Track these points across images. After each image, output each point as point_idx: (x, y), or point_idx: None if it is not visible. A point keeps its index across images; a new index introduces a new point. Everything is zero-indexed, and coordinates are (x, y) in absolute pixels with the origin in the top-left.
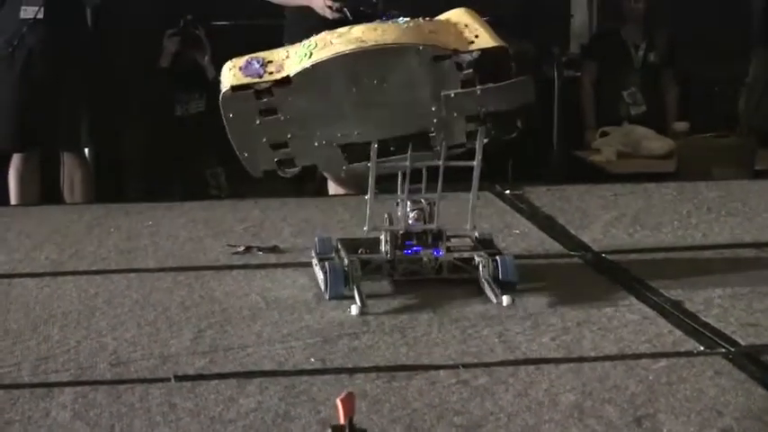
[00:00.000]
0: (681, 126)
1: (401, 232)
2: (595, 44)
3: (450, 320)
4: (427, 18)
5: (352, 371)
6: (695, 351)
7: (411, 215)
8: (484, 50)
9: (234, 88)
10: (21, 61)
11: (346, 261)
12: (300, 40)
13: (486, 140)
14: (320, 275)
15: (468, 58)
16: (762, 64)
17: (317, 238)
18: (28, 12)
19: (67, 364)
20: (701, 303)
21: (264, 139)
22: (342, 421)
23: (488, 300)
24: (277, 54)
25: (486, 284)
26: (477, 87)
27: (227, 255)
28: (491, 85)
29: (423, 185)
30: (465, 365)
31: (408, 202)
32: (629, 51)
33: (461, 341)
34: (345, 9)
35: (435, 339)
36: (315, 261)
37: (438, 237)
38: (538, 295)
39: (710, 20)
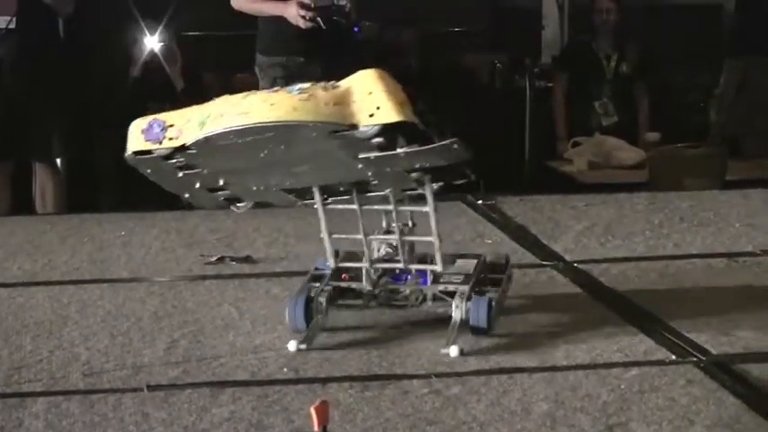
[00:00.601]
0: (652, 136)
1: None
2: (567, 55)
3: (422, 329)
4: (330, 83)
5: (325, 380)
6: (667, 360)
7: (381, 250)
8: (385, 125)
9: (135, 153)
10: None
11: (312, 292)
12: (275, 51)
13: (437, 185)
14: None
15: (367, 131)
16: (732, 74)
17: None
18: (0, 22)
19: (40, 374)
20: (672, 313)
21: (198, 185)
22: (316, 429)
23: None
24: (180, 117)
25: (450, 326)
26: (400, 150)
27: (199, 265)
28: (416, 147)
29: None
30: (437, 375)
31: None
32: (600, 62)
33: (434, 351)
34: (318, 19)
35: (408, 350)
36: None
37: (423, 261)
38: (510, 305)
39: (681, 31)
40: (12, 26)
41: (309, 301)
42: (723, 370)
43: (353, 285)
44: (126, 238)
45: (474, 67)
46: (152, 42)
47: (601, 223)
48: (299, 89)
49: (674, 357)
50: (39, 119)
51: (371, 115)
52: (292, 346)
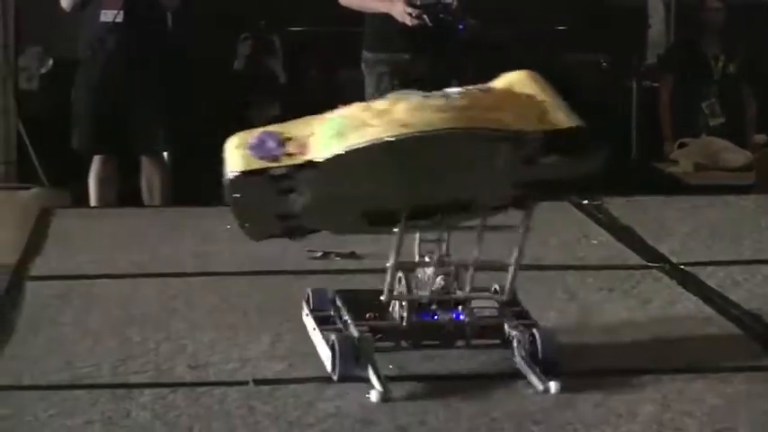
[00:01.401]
0: (760, 138)
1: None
2: (673, 55)
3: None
4: (484, 87)
5: (427, 378)
6: None
7: (437, 281)
8: (556, 131)
9: (245, 174)
10: (100, 65)
11: (355, 332)
12: (381, 47)
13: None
14: (322, 347)
15: (534, 138)
16: None
17: (309, 291)
18: (108, 15)
19: (147, 366)
20: None
21: (273, 213)
22: None
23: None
24: (297, 128)
25: (524, 365)
26: (542, 160)
27: (305, 260)
28: (555, 158)
29: (445, 243)
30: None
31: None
32: (707, 62)
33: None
34: (425, 16)
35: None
36: (310, 322)
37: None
38: (615, 306)
39: None
40: (119, 20)
41: (355, 347)
42: None
43: (385, 324)
44: (230, 232)
45: (579, 66)
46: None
47: (707, 225)
48: (457, 93)
49: None
50: (145, 112)
51: (540, 120)
52: (375, 396)
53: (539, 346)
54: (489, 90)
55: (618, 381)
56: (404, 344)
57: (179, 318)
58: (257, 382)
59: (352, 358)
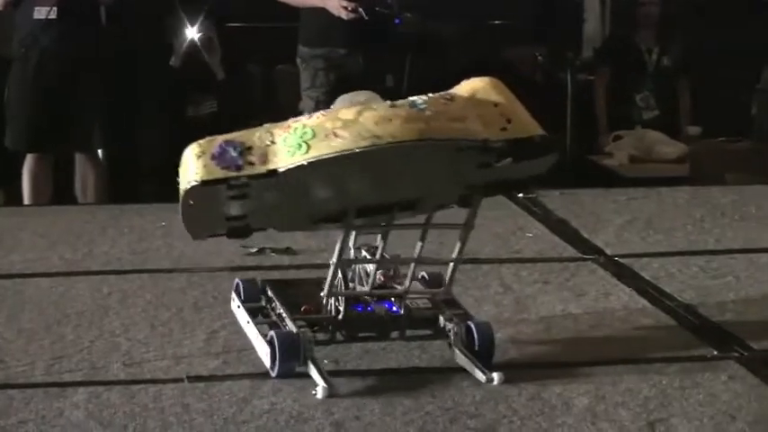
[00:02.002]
0: (694, 130)
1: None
2: (608, 48)
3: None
4: (447, 95)
5: (366, 373)
6: (708, 355)
7: (377, 276)
8: (518, 139)
9: (204, 183)
10: (34, 61)
11: (293, 327)
12: (317, 42)
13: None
14: (258, 342)
15: (499, 147)
16: None
17: (238, 281)
18: (41, 12)
19: (81, 364)
20: (714, 307)
21: (221, 216)
22: None
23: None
24: (257, 137)
25: (463, 358)
26: (497, 164)
27: (240, 256)
28: (510, 161)
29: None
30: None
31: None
32: (642, 56)
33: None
34: (361, 9)
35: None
36: (242, 314)
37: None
38: (550, 299)
39: (723, 24)
40: (53, 16)
41: (295, 344)
42: (765, 365)
43: (321, 317)
44: (166, 229)
45: (515, 60)
46: (192, 33)
47: (642, 217)
48: (422, 102)
49: (715, 353)
50: (80, 109)
51: (503, 129)
52: (321, 392)
53: (475, 338)
54: (453, 98)
55: (553, 373)
56: (339, 337)
57: (113, 315)
58: (192, 379)
59: (292, 355)
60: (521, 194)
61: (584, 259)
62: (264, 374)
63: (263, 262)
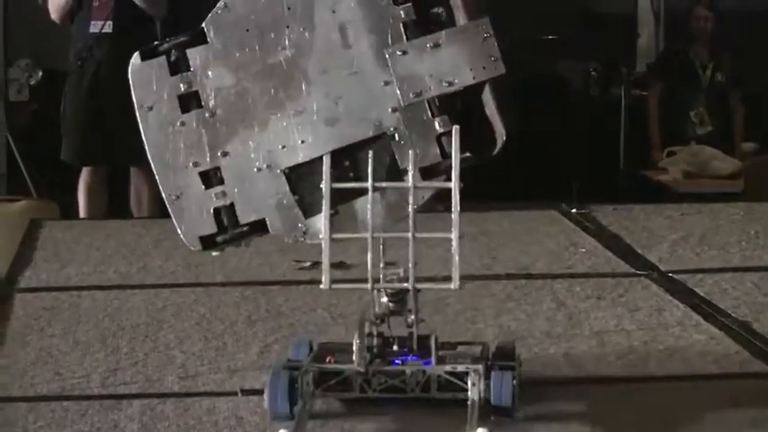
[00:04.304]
0: (748, 146)
1: (376, 333)
2: (662, 63)
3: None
4: None
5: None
6: (763, 372)
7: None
8: None
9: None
10: (89, 75)
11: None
12: None
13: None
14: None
15: None
16: None
17: (291, 345)
18: (96, 25)
19: (136, 377)
20: None
21: (187, 161)
22: None
23: None
24: None
25: (469, 408)
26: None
27: (293, 270)
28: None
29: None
30: None
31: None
32: (696, 71)
33: None
34: None
35: None
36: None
37: (426, 342)
38: (604, 314)
39: None
40: (108, 30)
41: (293, 383)
42: None
43: (342, 368)
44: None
45: (568, 74)
46: None
47: (696, 233)
48: None
49: None
50: (135, 122)
51: None
52: None
53: (492, 390)
54: None
55: (605, 389)
56: (365, 392)
57: (168, 329)
58: (245, 392)
59: (285, 397)
60: (573, 210)
61: (638, 275)
62: None
63: (316, 276)
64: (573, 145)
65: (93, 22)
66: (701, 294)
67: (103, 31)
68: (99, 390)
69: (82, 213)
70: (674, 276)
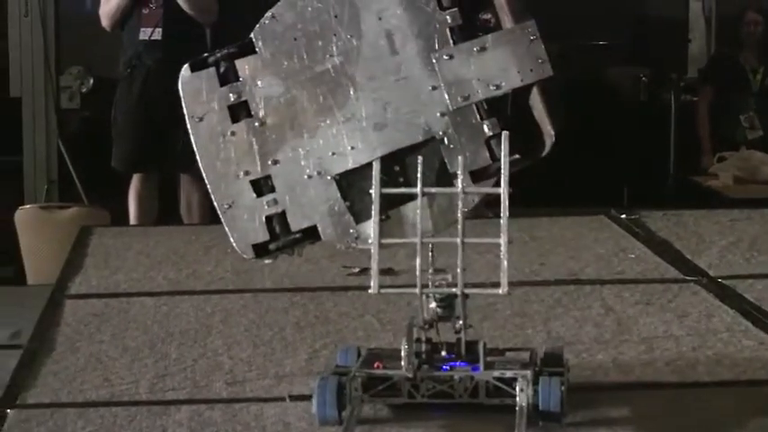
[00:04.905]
0: None
1: (424, 339)
2: (713, 68)
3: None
4: None
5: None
6: None
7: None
8: None
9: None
10: (139, 82)
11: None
12: None
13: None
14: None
15: None
16: None
17: (339, 351)
18: (146, 32)
19: (184, 382)
20: None
21: (238, 170)
22: None
23: None
24: None
25: (517, 413)
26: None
27: (342, 276)
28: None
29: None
30: None
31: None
32: (746, 76)
33: None
34: None
35: None
36: None
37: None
38: (652, 320)
39: None
40: (157, 37)
41: (342, 388)
42: None
43: (391, 374)
44: None
45: (619, 80)
46: None
47: (746, 239)
48: None
49: None
50: (185, 129)
51: None
52: None
53: (540, 396)
54: None
55: (655, 393)
56: (413, 398)
57: (216, 334)
58: (293, 398)
59: (334, 401)
60: (623, 215)
61: (687, 281)
62: None
63: (365, 282)
64: (623, 151)
65: (142, 30)
66: (751, 300)
67: (153, 38)
68: (147, 396)
69: (132, 220)
70: (724, 282)
